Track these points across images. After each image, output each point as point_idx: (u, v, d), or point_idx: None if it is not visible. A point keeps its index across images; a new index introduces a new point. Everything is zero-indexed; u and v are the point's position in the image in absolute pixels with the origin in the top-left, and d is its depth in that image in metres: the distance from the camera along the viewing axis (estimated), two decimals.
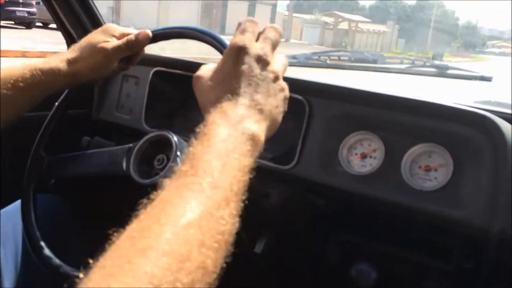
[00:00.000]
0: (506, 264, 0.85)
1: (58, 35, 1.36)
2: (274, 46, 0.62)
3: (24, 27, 12.23)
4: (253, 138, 0.52)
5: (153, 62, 1.16)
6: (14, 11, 11.50)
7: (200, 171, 0.45)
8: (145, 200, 0.44)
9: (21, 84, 0.79)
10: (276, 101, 0.59)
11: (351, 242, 0.98)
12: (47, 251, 0.85)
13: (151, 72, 1.15)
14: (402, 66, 1.07)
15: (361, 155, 0.88)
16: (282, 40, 0.78)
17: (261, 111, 0.56)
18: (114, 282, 0.34)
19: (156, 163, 0.88)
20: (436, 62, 0.98)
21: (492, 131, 0.72)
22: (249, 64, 0.58)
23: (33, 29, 12.34)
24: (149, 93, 1.16)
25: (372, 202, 0.86)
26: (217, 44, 0.74)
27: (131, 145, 0.91)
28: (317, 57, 1.17)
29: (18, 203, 0.95)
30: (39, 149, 0.94)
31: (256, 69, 0.58)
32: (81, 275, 0.37)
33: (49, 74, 0.81)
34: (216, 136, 0.50)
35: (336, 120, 0.90)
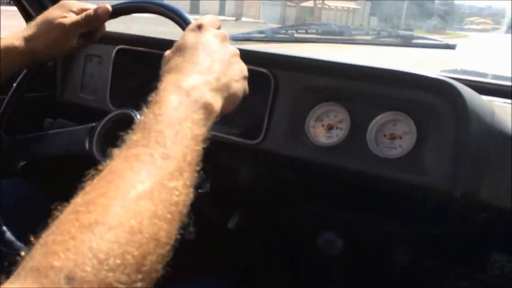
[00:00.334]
0: (471, 229, 0.86)
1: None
2: None
3: None
4: (206, 107, 0.51)
5: (116, 40, 1.12)
6: None
7: (152, 141, 0.44)
8: (92, 171, 0.42)
9: None
10: (235, 75, 0.59)
11: (320, 213, 0.99)
12: (8, 235, 0.83)
13: (114, 51, 1.12)
14: (368, 37, 1.07)
15: (328, 126, 0.88)
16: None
17: (218, 79, 0.55)
18: (57, 259, 0.33)
19: (120, 143, 0.86)
20: (402, 32, 0.98)
21: (453, 96, 0.72)
22: (209, 38, 0.59)
23: None
24: (113, 72, 1.13)
25: (339, 172, 0.86)
26: (180, 21, 0.72)
27: (93, 124, 0.89)
28: (284, 31, 1.15)
29: None
30: None
31: (215, 43, 0.59)
32: (22, 253, 0.36)
33: (5, 52, 0.78)
34: (167, 103, 0.48)
35: (302, 93, 0.89)
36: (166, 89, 0.50)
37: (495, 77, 1.02)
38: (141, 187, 0.40)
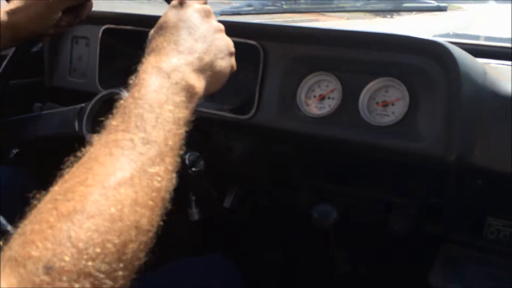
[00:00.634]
0: (467, 195, 0.86)
1: None
2: None
3: None
4: (188, 89, 0.49)
5: (102, 20, 1.10)
6: None
7: (131, 126, 0.43)
8: (71, 158, 0.41)
9: None
10: (220, 52, 0.56)
11: (316, 186, 0.98)
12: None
13: (101, 31, 1.10)
14: (358, 4, 1.05)
15: (319, 97, 0.87)
16: None
17: (200, 59, 0.53)
18: (35, 249, 0.32)
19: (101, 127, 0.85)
20: None
21: (444, 57, 0.71)
22: (191, 14, 0.57)
23: None
24: (101, 53, 1.11)
25: (333, 143, 0.86)
26: None
27: (83, 105, 0.88)
28: (272, 3, 1.13)
29: None
30: None
31: (197, 19, 0.57)
32: (0, 243, 0.35)
33: None
34: (147, 86, 0.46)
35: (292, 63, 0.88)
36: (146, 71, 0.48)
37: (488, 39, 1.00)
38: (121, 173, 0.39)
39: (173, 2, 0.58)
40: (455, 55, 0.70)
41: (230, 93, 0.95)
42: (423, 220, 0.93)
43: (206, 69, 0.54)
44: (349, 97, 0.83)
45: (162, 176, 0.41)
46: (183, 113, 0.48)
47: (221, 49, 0.57)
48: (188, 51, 0.53)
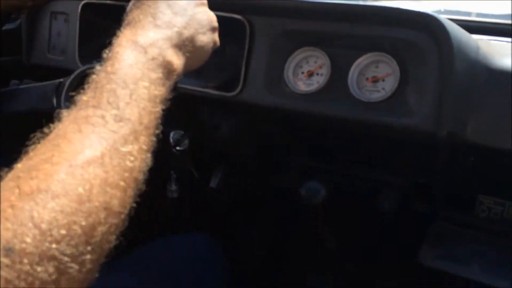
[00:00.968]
0: (458, 173, 0.85)
1: None
2: None
3: None
4: (165, 65, 0.46)
5: None
6: None
7: (103, 102, 0.40)
8: (37, 134, 0.38)
9: None
10: (201, 27, 0.53)
11: (305, 164, 0.96)
12: None
13: (80, 6, 1.05)
14: None
15: (308, 73, 0.84)
16: None
17: (180, 34, 0.50)
18: None
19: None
20: None
21: (436, 30, 0.69)
22: None
23: None
24: (81, 29, 1.06)
25: (322, 120, 0.83)
26: None
27: (61, 79, 0.84)
28: None
29: None
30: None
31: None
32: None
33: None
34: (121, 61, 0.43)
35: (279, 38, 0.85)
36: (121, 45, 0.45)
37: (479, 15, 0.98)
38: (90, 152, 0.36)
39: None
40: (448, 28, 0.68)
41: (216, 70, 0.92)
42: (413, 198, 0.92)
43: (186, 44, 0.51)
44: (338, 73, 0.80)
45: (135, 156, 0.39)
46: (160, 91, 0.45)
47: (202, 23, 0.54)
48: (166, 25, 0.49)
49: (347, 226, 1.06)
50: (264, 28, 0.85)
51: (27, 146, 0.38)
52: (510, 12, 0.98)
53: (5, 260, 0.29)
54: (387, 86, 0.77)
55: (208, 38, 0.54)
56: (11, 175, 0.34)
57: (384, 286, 1.10)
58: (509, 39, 0.88)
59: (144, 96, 0.43)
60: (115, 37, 0.47)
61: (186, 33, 0.51)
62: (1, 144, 1.01)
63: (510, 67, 0.71)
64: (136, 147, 0.39)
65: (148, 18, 0.49)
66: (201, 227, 0.93)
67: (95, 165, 0.36)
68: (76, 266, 0.32)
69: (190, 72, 0.56)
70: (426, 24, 0.70)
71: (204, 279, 0.79)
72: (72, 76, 0.83)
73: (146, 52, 0.45)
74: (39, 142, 0.37)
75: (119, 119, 0.39)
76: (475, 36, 0.84)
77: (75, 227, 0.32)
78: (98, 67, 0.44)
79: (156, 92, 0.44)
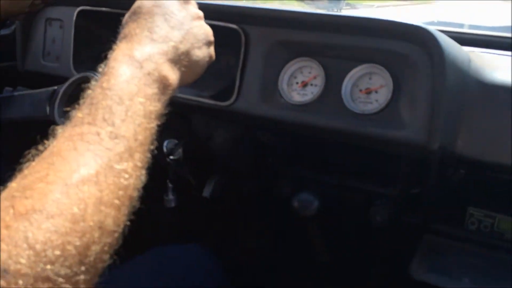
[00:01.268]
0: (448, 186, 0.86)
1: None
2: None
3: None
4: (161, 80, 0.46)
5: (77, 1, 1.06)
6: None
7: (99, 119, 0.40)
8: (32, 151, 0.38)
9: None
10: (197, 41, 0.53)
11: (298, 175, 0.97)
12: None
13: (75, 13, 1.05)
14: None
15: (302, 83, 0.84)
16: None
17: (176, 48, 0.50)
18: None
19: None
20: None
21: (428, 44, 0.69)
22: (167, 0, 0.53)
23: None
24: (76, 36, 1.06)
25: (315, 131, 0.84)
26: None
27: (55, 87, 0.84)
28: None
29: None
30: None
31: (174, 5, 0.53)
32: None
33: None
34: (117, 76, 0.43)
35: (274, 49, 0.85)
36: (117, 59, 0.45)
37: (472, 27, 0.99)
38: (85, 170, 0.36)
39: None
40: (440, 42, 0.68)
41: (211, 79, 0.92)
42: (404, 210, 0.92)
43: (181, 59, 0.50)
44: (332, 84, 0.81)
45: (130, 173, 0.39)
46: (155, 106, 0.45)
47: (198, 38, 0.53)
48: (162, 39, 0.49)
49: (339, 237, 1.06)
50: (259, 38, 0.86)
51: (20, 163, 0.38)
52: (501, 25, 0.99)
53: (0, 282, 0.29)
54: (381, 98, 0.77)
55: (204, 53, 0.54)
56: (5, 194, 0.34)
57: None
58: (501, 52, 0.89)
59: (140, 112, 0.42)
60: (110, 51, 0.47)
61: (182, 47, 0.51)
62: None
63: (501, 80, 0.72)
64: (131, 164, 0.39)
65: (145, 32, 0.49)
66: (197, 236, 0.94)
67: (90, 184, 0.35)
68: (70, 287, 0.32)
69: None
70: (418, 37, 0.71)
71: None
72: (66, 84, 0.83)
73: (142, 67, 0.45)
74: (33, 160, 0.37)
75: (114, 136, 0.39)
76: (467, 48, 0.85)
77: (70, 247, 0.32)
78: (93, 82, 0.44)
79: (152, 108, 0.44)
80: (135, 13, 0.52)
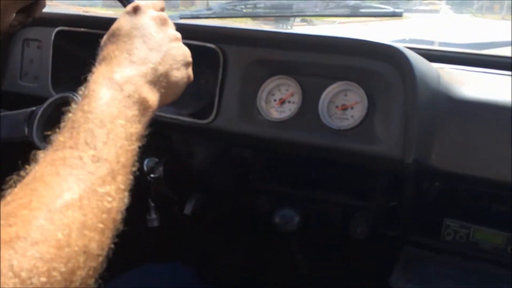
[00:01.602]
0: (424, 198, 0.88)
1: None
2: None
3: None
4: (141, 102, 0.47)
5: (55, 22, 1.06)
6: None
7: (81, 142, 0.40)
8: (14, 177, 0.38)
9: None
10: (175, 63, 0.54)
11: (278, 190, 0.98)
12: None
13: (54, 33, 1.05)
14: (317, 9, 1.05)
15: (280, 100, 0.86)
16: None
17: (155, 70, 0.50)
18: None
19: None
20: (349, 2, 0.98)
21: (400, 62, 0.72)
22: (146, 22, 0.54)
23: None
24: (54, 56, 1.06)
25: (294, 147, 0.85)
26: None
27: (34, 108, 0.84)
28: (231, 7, 1.12)
29: None
30: None
31: (153, 27, 0.54)
32: None
33: None
34: (98, 99, 0.43)
35: (251, 67, 0.87)
36: (97, 82, 0.45)
37: (442, 44, 1.03)
38: (69, 195, 0.36)
39: (127, 8, 0.55)
40: (411, 60, 0.71)
41: (190, 97, 0.93)
42: (382, 223, 0.94)
43: (160, 80, 0.51)
44: (309, 100, 0.83)
45: (113, 196, 0.39)
46: (136, 128, 0.45)
47: (177, 59, 0.54)
48: (141, 61, 0.50)
49: (320, 251, 1.07)
50: (236, 57, 0.87)
51: (2, 189, 0.37)
52: (470, 42, 1.03)
53: None
54: (356, 114, 0.79)
55: (183, 73, 0.55)
56: None
57: None
58: (468, 68, 0.92)
59: (121, 134, 0.42)
60: (90, 73, 0.47)
61: (161, 69, 0.51)
62: None
63: (470, 96, 0.75)
64: (113, 187, 0.39)
65: (124, 55, 0.49)
66: (179, 254, 0.93)
67: (73, 208, 0.35)
68: None
69: None
70: (390, 56, 0.74)
71: None
72: (45, 105, 0.83)
73: (122, 89, 0.45)
74: (15, 186, 0.37)
75: (96, 159, 0.39)
76: (438, 65, 0.88)
77: (55, 273, 0.32)
78: (74, 105, 0.44)
79: (132, 130, 0.44)
80: (113, 35, 0.52)
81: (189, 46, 0.59)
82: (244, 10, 1.10)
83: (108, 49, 0.51)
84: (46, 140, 0.79)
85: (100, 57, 0.51)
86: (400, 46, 0.75)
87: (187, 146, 1.02)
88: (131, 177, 0.43)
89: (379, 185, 0.93)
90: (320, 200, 0.96)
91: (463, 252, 0.85)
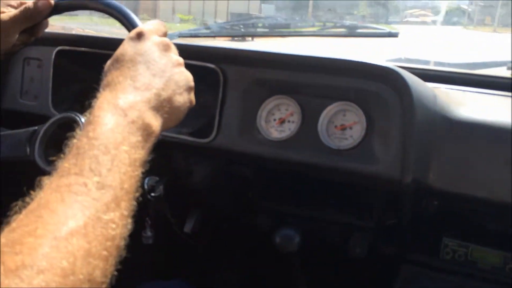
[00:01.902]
0: (423, 216, 0.89)
1: None
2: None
3: None
4: (145, 128, 0.47)
5: (56, 41, 1.07)
6: None
7: (85, 169, 0.40)
8: (19, 203, 0.38)
9: None
10: (178, 88, 0.54)
11: (277, 209, 0.98)
12: None
13: (54, 52, 1.06)
14: (314, 29, 1.07)
15: (279, 120, 0.87)
16: None
17: (158, 95, 0.51)
18: None
19: (64, 147, 0.82)
20: (346, 22, 1.00)
21: (397, 83, 0.74)
22: (149, 48, 0.54)
23: None
24: (55, 75, 1.07)
25: (293, 166, 0.86)
26: (127, 23, 0.67)
27: (36, 127, 0.84)
28: (230, 26, 1.13)
29: None
30: None
31: (156, 53, 0.54)
32: None
33: None
34: (103, 125, 0.44)
35: (251, 87, 0.88)
36: (101, 108, 0.46)
37: (437, 63, 1.05)
38: (73, 222, 0.36)
39: (131, 34, 0.56)
40: (408, 82, 0.73)
41: (190, 116, 0.93)
42: (381, 242, 0.94)
43: (163, 105, 0.51)
44: (309, 120, 0.84)
45: (117, 223, 0.39)
46: (139, 154, 0.45)
47: (179, 84, 0.55)
48: (145, 87, 0.50)
49: (319, 270, 1.07)
50: (237, 77, 0.89)
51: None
52: (465, 62, 1.05)
53: None
54: (355, 134, 0.81)
55: (185, 98, 0.55)
56: None
57: None
58: (465, 88, 0.94)
59: (125, 160, 0.43)
60: (94, 99, 0.48)
61: (164, 94, 0.52)
62: None
63: (467, 117, 0.77)
64: (117, 214, 0.40)
65: (128, 81, 0.50)
66: (177, 272, 0.93)
67: (78, 236, 0.36)
68: None
69: None
70: (388, 78, 0.75)
71: None
72: (47, 125, 0.83)
73: (126, 115, 0.46)
74: (20, 212, 0.37)
75: (101, 186, 0.40)
76: (433, 85, 0.90)
77: None
78: (78, 131, 0.44)
79: (136, 156, 0.44)
80: (117, 60, 0.53)
81: (189, 65, 0.60)
82: (242, 30, 1.12)
83: (112, 75, 0.51)
84: (47, 160, 0.80)
85: (104, 82, 0.51)
86: (396, 67, 0.76)
87: (186, 165, 1.02)
88: (134, 203, 0.43)
89: (378, 204, 0.94)
90: (319, 219, 0.97)
91: (462, 271, 0.86)
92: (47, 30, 0.85)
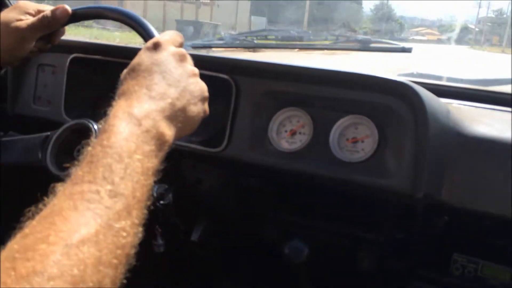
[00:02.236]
0: (433, 231, 0.88)
1: None
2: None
3: None
4: (158, 137, 0.47)
5: (70, 48, 1.08)
6: None
7: (99, 177, 0.40)
8: (32, 209, 0.39)
9: None
10: (193, 98, 0.55)
11: (286, 220, 0.98)
12: None
13: (68, 59, 1.08)
14: (327, 42, 1.08)
15: (291, 131, 0.87)
16: None
17: (173, 105, 0.51)
18: None
19: (76, 153, 0.83)
20: (359, 36, 1.00)
21: (411, 98, 0.74)
22: (165, 58, 0.55)
23: None
24: (68, 81, 1.08)
25: (304, 178, 0.86)
26: (143, 33, 0.67)
27: (48, 133, 0.85)
28: (243, 37, 1.14)
29: None
30: None
31: (172, 63, 0.55)
32: None
33: None
34: (117, 134, 0.44)
35: (263, 98, 0.89)
36: (117, 116, 0.46)
37: (450, 79, 1.05)
38: (85, 230, 0.36)
39: (148, 44, 0.57)
40: (422, 96, 0.72)
41: (201, 126, 0.94)
42: (390, 256, 0.94)
43: (178, 115, 0.52)
44: (320, 132, 0.84)
45: (128, 232, 0.39)
46: (152, 163, 0.45)
47: (194, 94, 0.55)
48: (160, 97, 0.51)
49: (327, 283, 1.06)
50: (249, 88, 0.89)
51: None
52: (478, 78, 1.05)
53: None
54: (366, 147, 0.80)
55: (199, 108, 0.56)
56: (6, 254, 0.34)
57: None
58: (479, 104, 0.94)
59: (138, 169, 0.43)
60: (109, 107, 0.48)
61: (179, 104, 0.52)
62: None
63: (481, 133, 0.76)
64: (129, 222, 0.40)
65: (143, 90, 0.50)
66: (185, 280, 0.92)
67: (89, 244, 0.36)
68: None
69: None
70: (401, 92, 0.75)
71: None
72: (60, 131, 0.84)
73: (140, 124, 0.46)
74: (33, 218, 0.37)
75: (113, 194, 0.40)
76: (446, 100, 0.90)
77: None
78: (93, 139, 0.45)
79: (149, 165, 0.45)
80: (134, 70, 0.53)
81: (202, 75, 0.61)
82: (255, 41, 1.13)
83: (128, 84, 0.52)
84: (59, 166, 0.81)
85: (119, 91, 0.52)
86: (410, 82, 0.76)
87: (196, 173, 1.02)
88: (145, 211, 0.43)
89: (388, 218, 0.93)
90: (328, 231, 0.96)
91: (472, 287, 0.85)
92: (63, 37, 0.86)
